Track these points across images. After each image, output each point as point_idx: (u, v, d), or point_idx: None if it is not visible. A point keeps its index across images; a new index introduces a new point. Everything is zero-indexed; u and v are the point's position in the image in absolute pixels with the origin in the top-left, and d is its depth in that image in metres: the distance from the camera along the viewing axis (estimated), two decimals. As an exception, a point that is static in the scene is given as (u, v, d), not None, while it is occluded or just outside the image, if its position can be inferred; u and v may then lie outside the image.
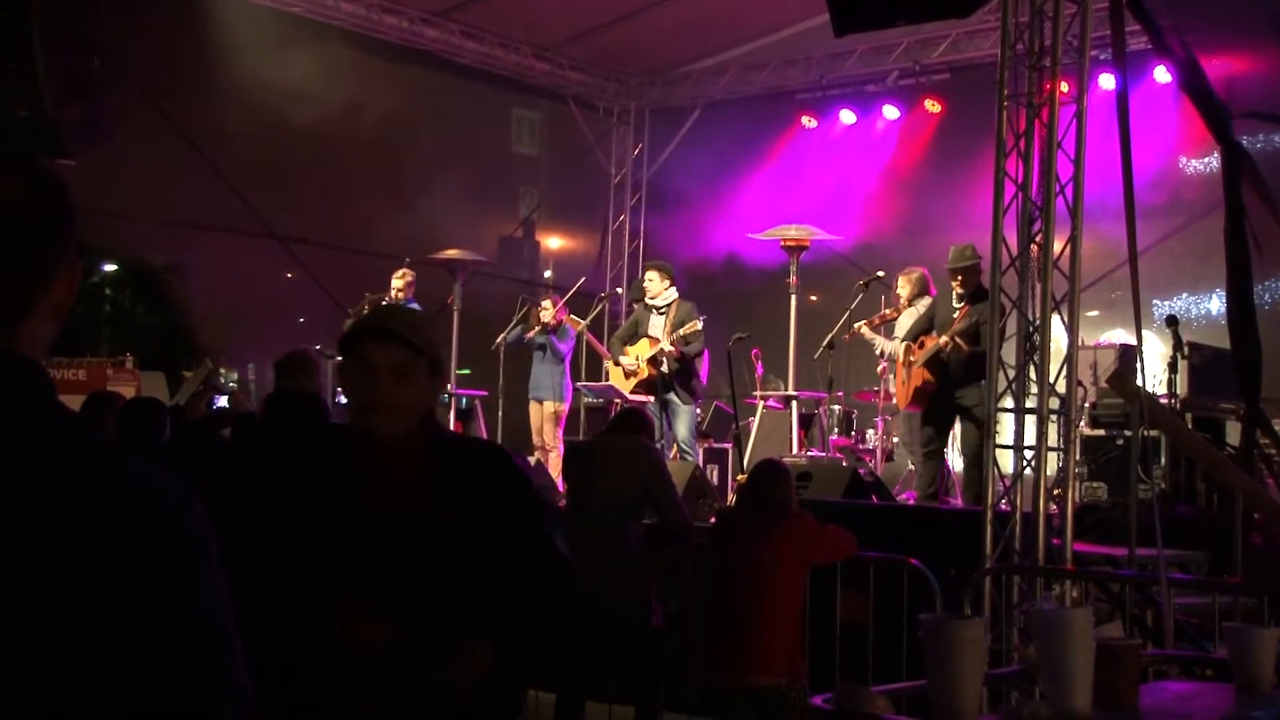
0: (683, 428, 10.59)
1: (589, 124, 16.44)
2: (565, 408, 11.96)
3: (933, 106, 14.52)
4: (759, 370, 12.48)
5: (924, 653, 2.09)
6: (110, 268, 16.98)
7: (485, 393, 12.44)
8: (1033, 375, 7.16)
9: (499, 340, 11.94)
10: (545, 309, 11.98)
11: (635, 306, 11.41)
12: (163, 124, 12.42)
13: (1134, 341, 10.69)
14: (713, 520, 6.71)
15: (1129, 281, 6.69)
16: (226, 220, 13.34)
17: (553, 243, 17.06)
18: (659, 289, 10.85)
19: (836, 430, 12.19)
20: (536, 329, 11.88)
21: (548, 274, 16.76)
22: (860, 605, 5.94)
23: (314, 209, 13.64)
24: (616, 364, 10.97)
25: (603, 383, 11.34)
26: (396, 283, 11.63)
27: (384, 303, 11.44)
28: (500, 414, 12.06)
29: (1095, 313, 12.55)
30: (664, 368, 10.60)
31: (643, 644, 6.57)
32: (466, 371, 12.32)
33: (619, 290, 14.42)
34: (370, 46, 14.06)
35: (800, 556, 5.58)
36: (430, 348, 2.55)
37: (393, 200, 13.54)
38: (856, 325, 10.38)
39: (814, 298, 12.80)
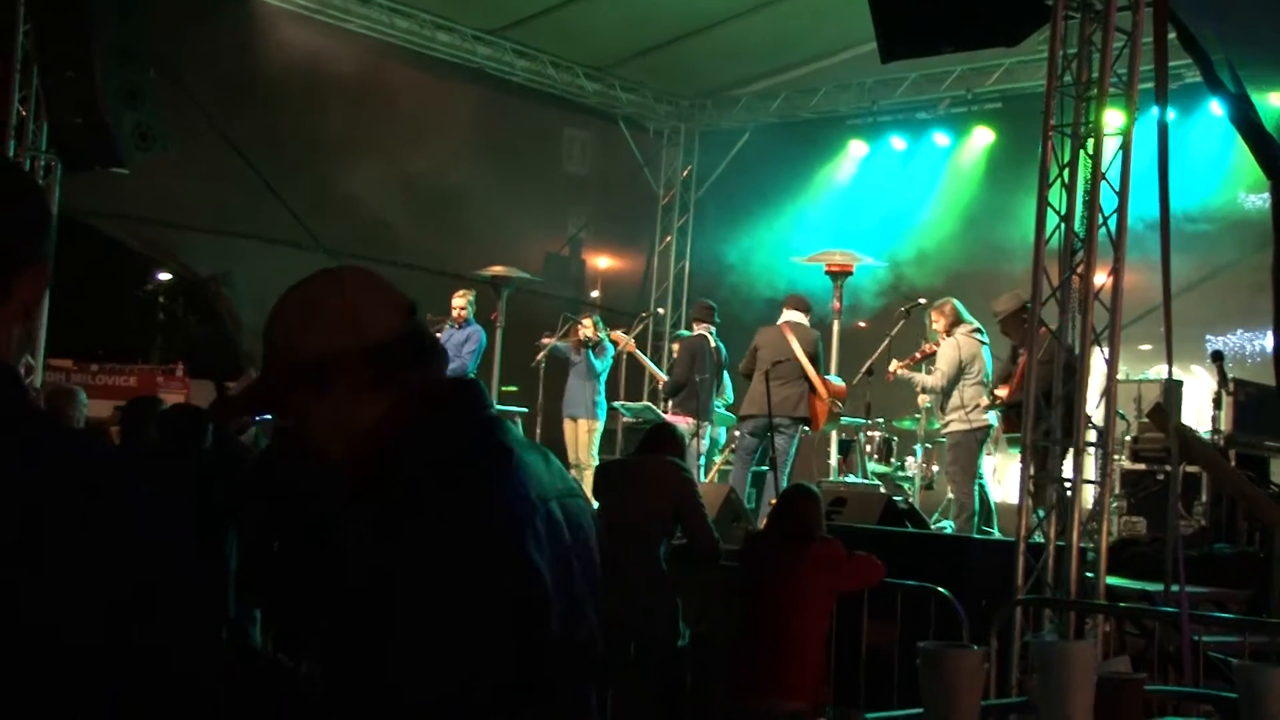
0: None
1: (639, 144, 16.52)
2: (600, 425, 12.01)
3: (984, 135, 14.49)
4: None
5: (920, 681, 2.10)
6: (164, 277, 17.20)
7: (526, 410, 12.51)
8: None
9: (539, 357, 12.02)
10: (585, 326, 12.05)
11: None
12: (215, 136, 12.61)
13: (1184, 376, 10.64)
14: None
15: (1180, 315, 6.64)
16: (276, 233, 13.51)
17: (600, 262, 17.13)
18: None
19: (876, 457, 12.15)
20: (572, 345, 11.98)
21: (595, 294, 16.83)
22: (887, 633, 5.92)
23: (364, 224, 13.77)
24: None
25: (640, 402, 11.41)
26: (457, 302, 11.68)
27: (444, 323, 11.56)
28: (539, 431, 12.11)
29: (1147, 346, 12.42)
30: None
31: (670, 665, 6.58)
32: (514, 389, 12.37)
33: (660, 310, 14.46)
34: (424, 63, 14.21)
35: (827, 583, 5.58)
36: (289, 354, 1.85)
37: (442, 217, 13.66)
38: (891, 367, 10.34)
39: (862, 324, 12.75)
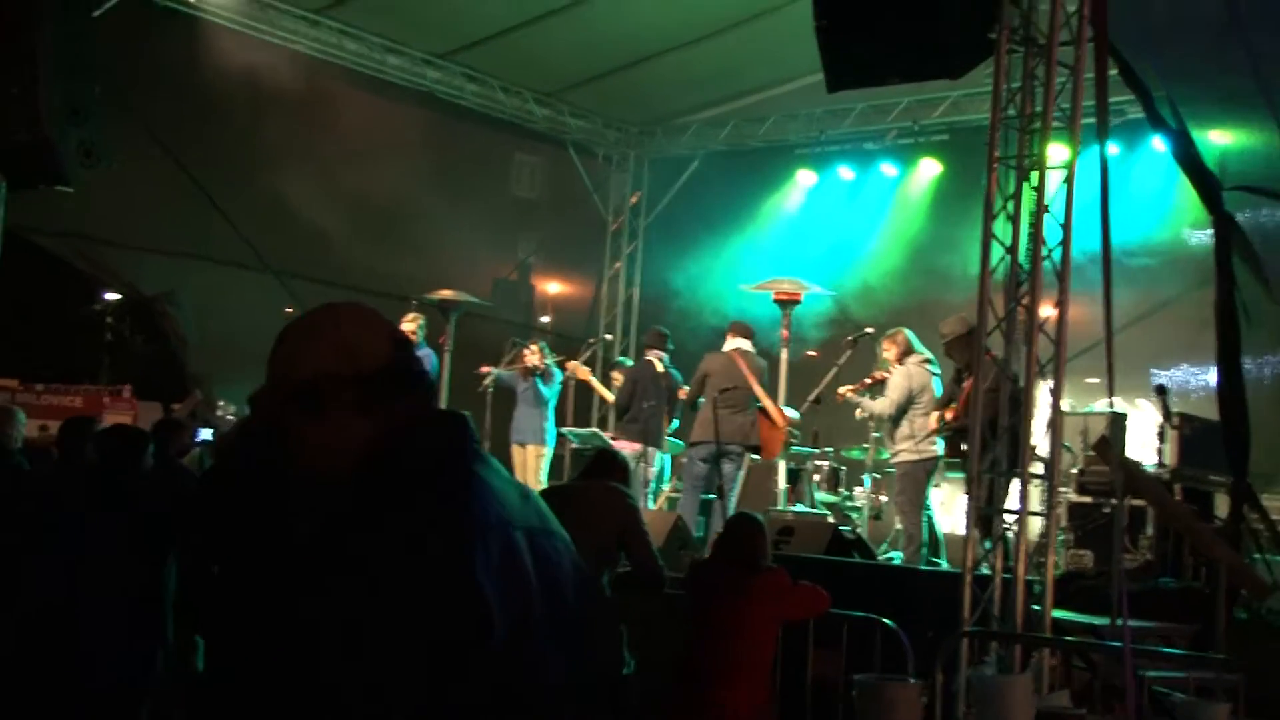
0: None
1: (588, 170, 16.54)
2: (548, 451, 11.97)
3: (931, 166, 14.62)
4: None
5: (857, 712, 2.08)
6: (112, 296, 16.99)
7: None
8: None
9: (486, 381, 11.96)
10: (532, 354, 12.01)
11: None
12: (161, 154, 12.50)
13: (1129, 410, 10.74)
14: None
15: (1125, 349, 6.70)
16: (222, 252, 13.39)
17: (548, 287, 17.12)
18: None
19: (824, 486, 12.17)
20: (519, 372, 11.95)
21: (545, 319, 16.80)
22: (832, 663, 5.90)
23: (311, 244, 13.68)
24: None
25: (588, 429, 11.38)
26: (406, 326, 11.59)
27: None
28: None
29: (1094, 380, 12.53)
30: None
31: (615, 694, 6.51)
32: (464, 414, 12.28)
33: (608, 336, 14.43)
34: (374, 85, 14.16)
35: (772, 611, 5.56)
36: (285, 381, 1.94)
37: (390, 239, 13.59)
38: (841, 390, 10.36)
39: (813, 353, 12.77)
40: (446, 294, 12.66)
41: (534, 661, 1.79)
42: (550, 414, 12.08)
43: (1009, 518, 7.20)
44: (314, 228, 13.29)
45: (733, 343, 10.81)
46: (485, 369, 11.96)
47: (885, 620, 6.08)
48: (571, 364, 12.28)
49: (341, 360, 1.93)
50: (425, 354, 11.45)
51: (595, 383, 12.57)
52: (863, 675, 1.88)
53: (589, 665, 1.87)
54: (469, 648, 1.71)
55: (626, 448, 10.96)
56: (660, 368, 11.40)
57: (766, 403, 10.58)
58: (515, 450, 12.08)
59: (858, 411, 10.36)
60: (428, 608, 1.70)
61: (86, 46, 10.96)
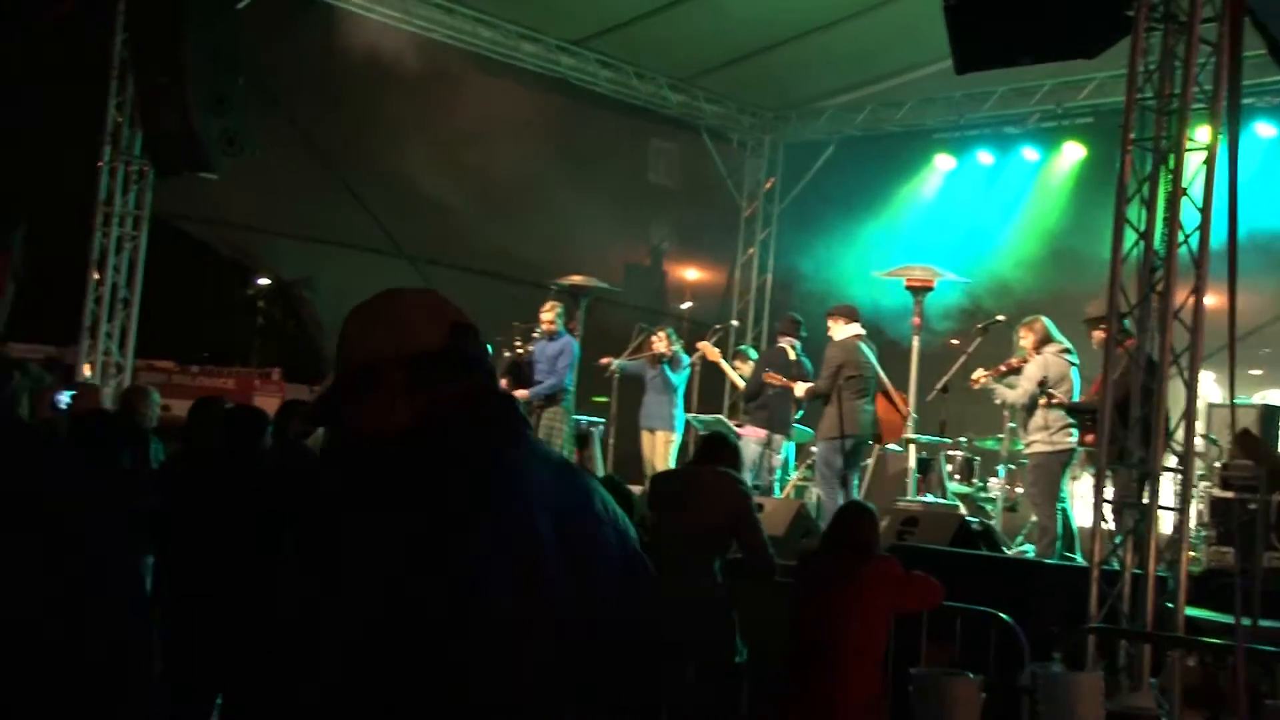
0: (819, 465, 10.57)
1: (722, 156, 16.46)
2: (677, 437, 11.96)
3: (1075, 150, 14.21)
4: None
5: (914, 709, 2.02)
6: (264, 281, 17.51)
7: (603, 421, 12.52)
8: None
9: (612, 366, 12.01)
10: (659, 340, 12.02)
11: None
12: (300, 141, 12.82)
13: (1282, 403, 10.31)
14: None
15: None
16: (358, 238, 13.69)
17: (681, 273, 17.12)
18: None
19: (958, 477, 11.93)
20: (647, 359, 11.97)
21: (680, 305, 16.81)
22: (945, 656, 5.78)
23: (445, 230, 13.89)
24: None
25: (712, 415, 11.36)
26: (545, 315, 11.67)
27: (534, 334, 11.60)
28: (612, 442, 12.10)
29: (1259, 371, 12.06)
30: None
31: (727, 683, 6.49)
32: (605, 399, 12.33)
33: (735, 322, 14.34)
34: (509, 72, 14.26)
35: (881, 601, 5.47)
36: (346, 362, 2.01)
37: (522, 225, 13.72)
38: (975, 376, 10.15)
39: (955, 341, 12.49)
40: (578, 279, 12.74)
41: (532, 644, 1.74)
42: (679, 400, 12.09)
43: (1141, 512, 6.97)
44: (446, 214, 13.50)
45: (850, 328, 10.62)
46: (606, 360, 11.99)
47: (1001, 614, 5.93)
48: (701, 344, 12.26)
49: (394, 343, 1.95)
50: (565, 341, 11.54)
51: (724, 364, 12.51)
52: (919, 670, 1.83)
53: (625, 645, 1.82)
54: (439, 633, 1.68)
55: (752, 435, 10.91)
56: (792, 355, 11.30)
57: (891, 389, 10.43)
58: (644, 436, 12.12)
59: (995, 399, 10.15)
60: (391, 591, 1.69)
61: (230, 38, 11.33)
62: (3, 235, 1.49)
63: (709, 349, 12.34)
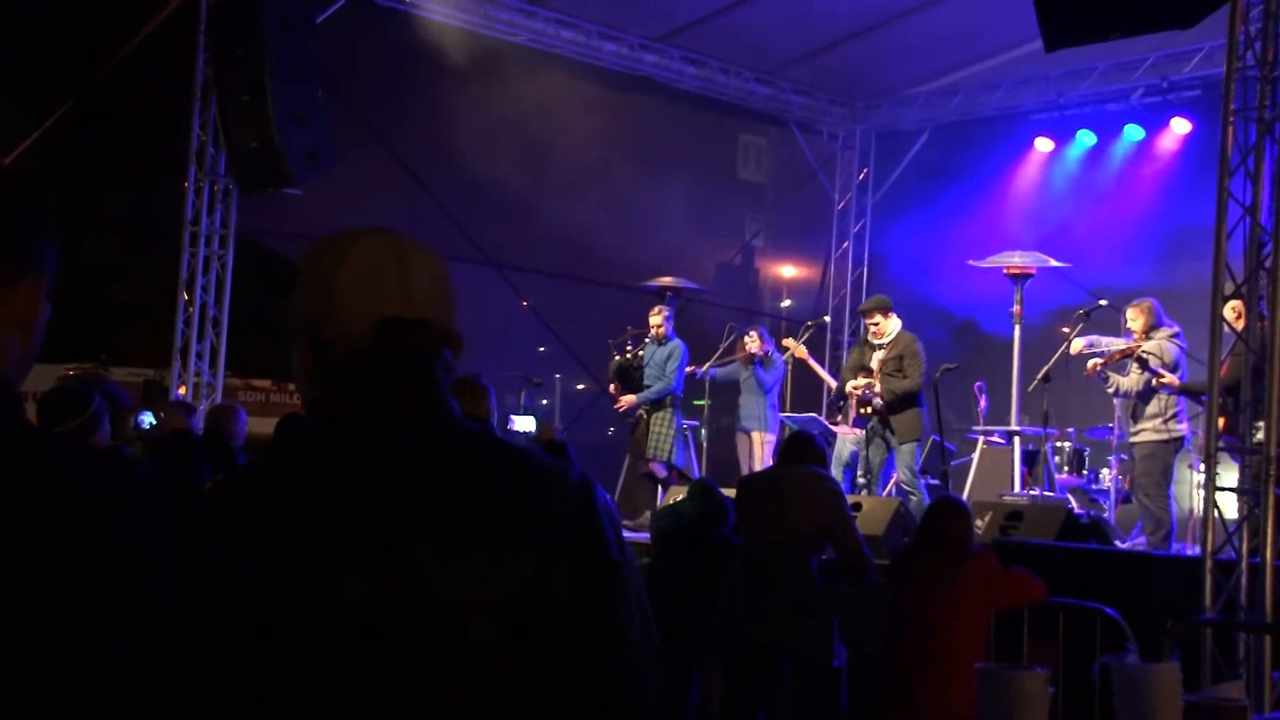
0: (902, 469, 10.37)
1: (813, 148, 16.36)
2: (774, 438, 11.89)
3: (1181, 126, 13.88)
4: (982, 404, 12.11)
5: (979, 706, 1.99)
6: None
7: (695, 423, 12.50)
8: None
9: (703, 369, 11.96)
10: (752, 340, 11.96)
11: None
12: (382, 153, 12.97)
13: None
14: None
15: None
16: (445, 249, 13.67)
17: (774, 270, 17.05)
18: (883, 329, 10.64)
19: (1066, 469, 11.71)
20: (740, 361, 11.93)
21: (785, 303, 16.74)
22: (1048, 654, 5.67)
23: (533, 238, 13.95)
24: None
25: (807, 414, 11.27)
26: (654, 319, 11.66)
27: (647, 339, 11.62)
28: (704, 444, 12.07)
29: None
30: (873, 405, 10.41)
31: (825, 685, 6.45)
32: (705, 402, 12.28)
33: (826, 319, 14.19)
34: (591, 74, 14.33)
35: (979, 598, 5.39)
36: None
37: (608, 227, 13.73)
38: (1090, 363, 9.95)
39: (1066, 329, 12.28)
40: (666, 280, 12.75)
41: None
42: (774, 400, 12.02)
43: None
44: (530, 218, 13.57)
45: (897, 320, 10.61)
46: (690, 369, 11.90)
47: (1106, 609, 5.81)
48: (788, 341, 12.19)
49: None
50: (674, 345, 11.55)
51: (813, 362, 12.42)
52: (984, 664, 1.79)
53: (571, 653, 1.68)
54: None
55: (849, 433, 10.82)
56: None
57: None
58: (740, 438, 12.08)
59: (1108, 386, 9.96)
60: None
61: (310, 52, 11.54)
62: (37, 255, 1.47)
63: (796, 346, 12.25)
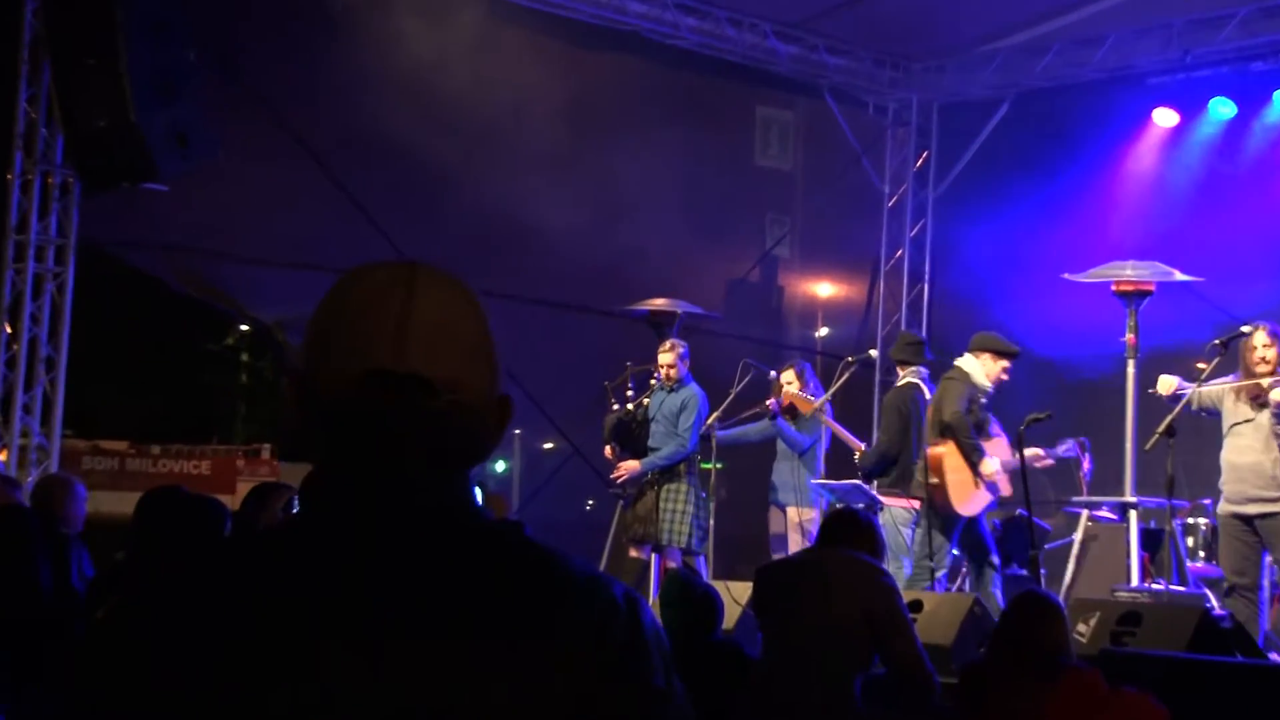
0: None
1: (854, 126, 16.41)
2: (816, 514, 11.86)
3: (1347, 90, 14.01)
4: (1085, 467, 12.10)
5: None
6: (244, 327, 17.61)
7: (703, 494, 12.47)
8: None
9: (709, 422, 11.91)
10: (789, 382, 11.92)
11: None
12: (283, 136, 12.95)
13: None
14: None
15: None
16: (366, 260, 13.76)
17: (805, 288, 17.10)
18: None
19: (1202, 555, 11.73)
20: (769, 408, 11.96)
21: (820, 332, 16.76)
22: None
23: (487, 251, 13.86)
24: None
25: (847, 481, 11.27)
26: (665, 358, 11.78)
27: (652, 380, 11.65)
28: (712, 522, 11.98)
29: None
30: None
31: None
32: (717, 465, 12.29)
33: (871, 352, 14.15)
34: (557, 28, 14.29)
35: (1078, 729, 5.38)
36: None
37: (589, 236, 13.69)
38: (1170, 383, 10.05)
39: (1202, 365, 12.31)
40: (659, 303, 12.74)
41: None
42: (813, 462, 12.00)
43: None
44: (476, 223, 13.54)
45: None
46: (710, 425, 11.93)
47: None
48: (792, 393, 11.98)
49: None
50: (690, 392, 11.58)
51: (827, 419, 12.28)
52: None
53: None
54: None
55: (900, 505, 10.82)
56: (927, 394, 11.23)
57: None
58: (772, 513, 12.13)
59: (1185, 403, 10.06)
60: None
61: (181, 5, 11.56)
62: None
63: (798, 398, 12.03)
